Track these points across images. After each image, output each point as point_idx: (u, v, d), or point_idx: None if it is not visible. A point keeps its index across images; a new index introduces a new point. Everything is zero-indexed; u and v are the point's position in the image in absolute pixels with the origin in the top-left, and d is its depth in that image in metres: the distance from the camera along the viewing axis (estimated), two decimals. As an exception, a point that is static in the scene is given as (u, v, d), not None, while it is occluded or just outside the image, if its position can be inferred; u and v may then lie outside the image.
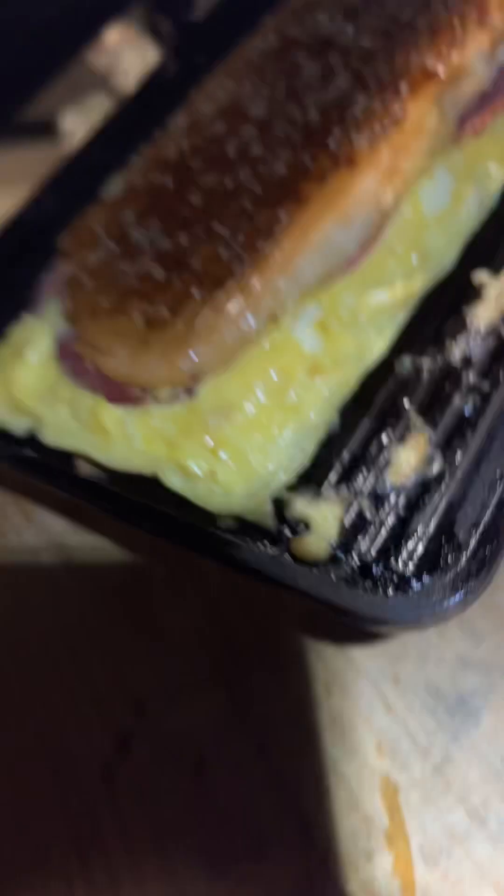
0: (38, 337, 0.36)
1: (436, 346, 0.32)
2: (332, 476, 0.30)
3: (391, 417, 0.31)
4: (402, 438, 0.30)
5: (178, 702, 0.32)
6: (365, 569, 0.27)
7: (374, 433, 0.31)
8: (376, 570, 0.27)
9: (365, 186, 0.32)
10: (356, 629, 0.32)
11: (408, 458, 0.29)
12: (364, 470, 0.30)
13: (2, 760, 0.32)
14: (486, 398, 0.30)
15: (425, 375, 0.32)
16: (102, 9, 0.59)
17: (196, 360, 0.30)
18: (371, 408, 0.31)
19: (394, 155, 0.33)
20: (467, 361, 0.31)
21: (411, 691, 0.31)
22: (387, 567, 0.27)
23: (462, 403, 0.30)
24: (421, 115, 0.33)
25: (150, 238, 0.33)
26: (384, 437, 0.30)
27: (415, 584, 0.26)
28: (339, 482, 0.30)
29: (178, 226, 0.33)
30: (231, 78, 0.40)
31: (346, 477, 0.30)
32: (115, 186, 0.41)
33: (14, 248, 0.46)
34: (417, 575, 0.26)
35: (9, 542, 0.38)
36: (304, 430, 0.30)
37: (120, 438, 0.32)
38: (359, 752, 0.29)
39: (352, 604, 0.26)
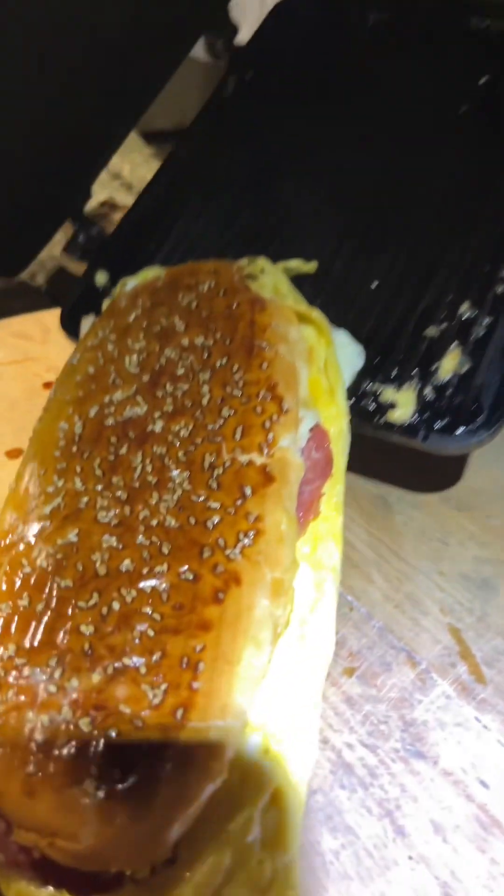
0: None
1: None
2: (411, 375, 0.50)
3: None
4: (443, 354, 0.50)
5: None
6: (433, 422, 0.47)
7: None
8: (440, 423, 0.47)
9: (261, 608, 0.33)
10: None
11: (448, 364, 0.49)
12: (426, 374, 0.49)
13: None
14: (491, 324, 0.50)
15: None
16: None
17: (172, 828, 0.28)
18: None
19: (270, 566, 0.34)
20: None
21: (452, 579, 0.49)
22: (450, 421, 0.47)
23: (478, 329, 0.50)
24: (275, 522, 0.36)
25: (51, 678, 0.31)
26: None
27: (461, 428, 0.47)
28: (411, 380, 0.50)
29: (82, 660, 0.31)
30: (52, 470, 0.40)
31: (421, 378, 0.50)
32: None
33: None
34: (465, 423, 0.47)
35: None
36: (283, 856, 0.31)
37: None
38: (430, 613, 0.46)
39: (433, 445, 0.47)
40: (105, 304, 0.54)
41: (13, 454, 0.60)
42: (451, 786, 0.36)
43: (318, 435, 0.43)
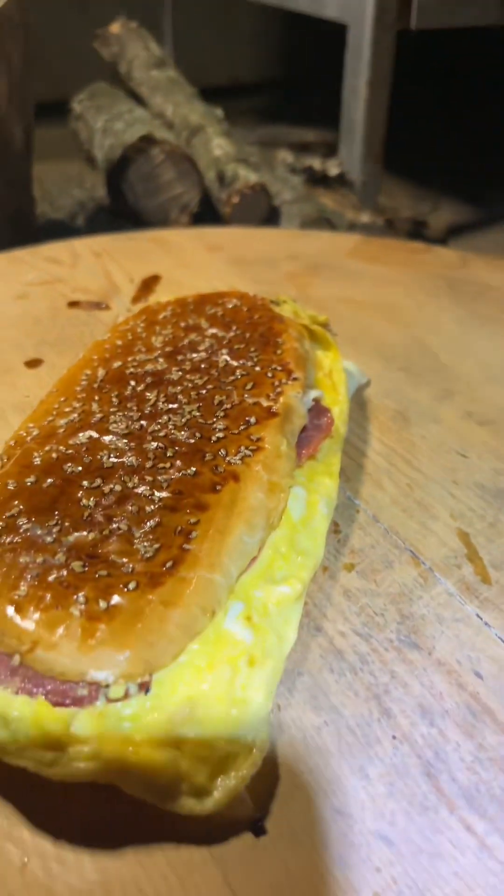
0: None
1: None
2: None
3: None
4: None
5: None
6: None
7: None
8: None
9: (256, 499, 0.36)
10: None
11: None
12: None
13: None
14: None
15: None
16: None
17: (150, 653, 0.30)
18: None
19: (268, 472, 0.37)
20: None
21: (467, 488, 0.47)
22: None
23: None
24: (275, 443, 0.39)
25: (50, 532, 0.33)
26: None
27: None
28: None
29: (81, 523, 0.33)
30: (73, 398, 0.43)
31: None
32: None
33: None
34: None
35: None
36: (254, 714, 0.31)
37: (68, 745, 0.29)
38: (440, 518, 0.45)
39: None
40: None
41: (32, 364, 0.60)
42: (444, 675, 0.35)
43: (320, 408, 0.46)
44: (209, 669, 0.31)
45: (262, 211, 1.10)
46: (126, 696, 0.29)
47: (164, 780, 0.29)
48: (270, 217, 1.12)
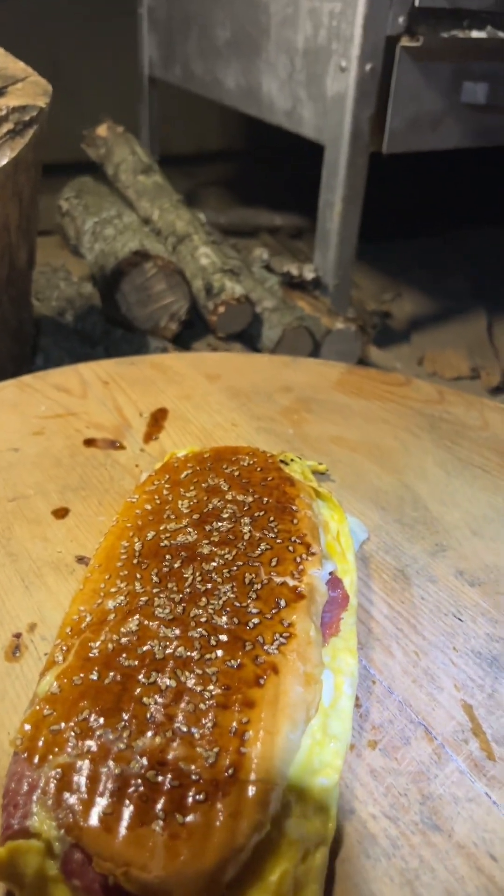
0: (32, 858, 0.34)
1: None
2: None
3: None
4: None
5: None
6: None
7: None
8: None
9: (296, 693, 0.41)
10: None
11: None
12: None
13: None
14: None
15: None
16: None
17: (226, 868, 0.33)
18: None
19: (303, 662, 0.41)
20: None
21: (465, 655, 0.53)
22: None
23: None
24: (305, 628, 0.44)
25: (121, 738, 0.37)
26: None
27: None
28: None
29: (145, 724, 0.37)
30: (116, 576, 0.48)
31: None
32: (45, 684, 0.42)
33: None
34: None
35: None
36: None
37: None
38: (445, 689, 0.51)
39: None
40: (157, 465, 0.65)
41: (59, 514, 0.64)
42: (464, 858, 0.41)
43: (335, 580, 0.53)
44: (272, 872, 0.36)
45: (246, 319, 1.17)
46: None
47: None
48: (253, 322, 1.20)
